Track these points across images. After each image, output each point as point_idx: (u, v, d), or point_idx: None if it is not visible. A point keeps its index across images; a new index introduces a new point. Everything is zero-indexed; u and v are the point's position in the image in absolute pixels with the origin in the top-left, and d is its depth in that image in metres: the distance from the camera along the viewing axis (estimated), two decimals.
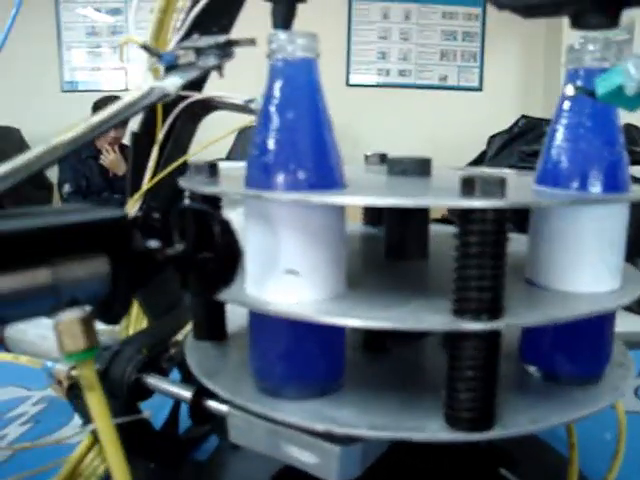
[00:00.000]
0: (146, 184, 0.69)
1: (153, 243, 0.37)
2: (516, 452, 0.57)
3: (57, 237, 0.31)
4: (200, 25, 0.62)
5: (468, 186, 0.37)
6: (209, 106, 0.72)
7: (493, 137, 2.47)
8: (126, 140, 2.72)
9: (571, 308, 0.42)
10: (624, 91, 0.39)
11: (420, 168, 0.53)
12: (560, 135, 0.45)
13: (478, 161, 2.50)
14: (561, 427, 0.61)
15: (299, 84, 0.42)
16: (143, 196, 0.69)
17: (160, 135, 0.68)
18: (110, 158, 2.76)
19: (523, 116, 2.39)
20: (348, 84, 3.11)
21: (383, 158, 0.69)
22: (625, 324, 1.71)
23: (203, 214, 0.39)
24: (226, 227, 0.38)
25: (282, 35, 0.41)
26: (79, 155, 2.75)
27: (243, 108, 0.70)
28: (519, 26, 2.85)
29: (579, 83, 0.45)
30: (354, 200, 0.39)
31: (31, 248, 0.30)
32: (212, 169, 0.52)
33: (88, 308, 0.34)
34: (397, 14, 3.05)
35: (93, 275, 0.33)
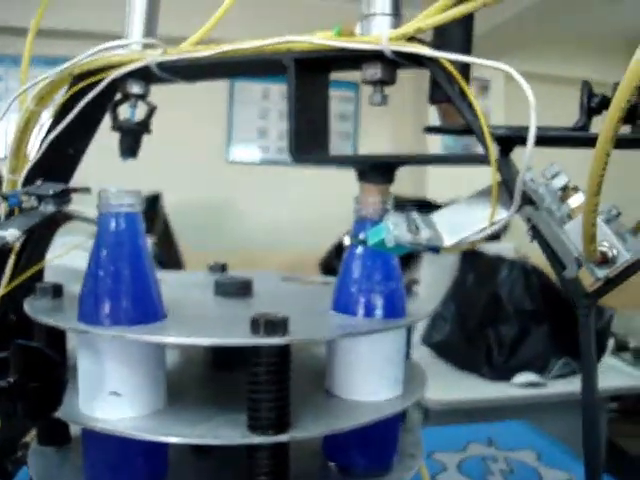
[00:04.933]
0: (2, 288, 0.74)
1: None
2: None
3: None
4: (57, 147, 0.69)
5: (255, 325, 0.46)
6: (65, 217, 0.79)
7: None
8: None
9: (352, 418, 0.51)
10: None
11: (242, 289, 0.62)
12: (349, 271, 0.55)
13: None
14: None
15: (123, 235, 0.49)
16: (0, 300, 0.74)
17: (17, 243, 0.74)
18: None
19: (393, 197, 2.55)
20: (229, 161, 3.23)
21: (224, 267, 0.78)
22: (477, 391, 1.82)
23: (33, 349, 0.46)
24: (53, 360, 0.45)
25: (110, 194, 0.49)
26: None
27: (95, 221, 0.78)
28: (390, 111, 3.06)
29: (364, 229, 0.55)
30: (160, 339, 0.47)
31: None
32: (56, 291, 0.59)
33: None
34: (276, 95, 3.23)
35: None
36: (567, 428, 1.01)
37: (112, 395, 0.49)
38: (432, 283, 2.18)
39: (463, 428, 1.10)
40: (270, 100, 3.25)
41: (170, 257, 2.53)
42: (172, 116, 2.66)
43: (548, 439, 1.05)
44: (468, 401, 1.78)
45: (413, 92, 2.52)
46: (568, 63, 3.35)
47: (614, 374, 2.03)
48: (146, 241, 0.51)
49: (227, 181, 3.08)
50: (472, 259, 2.08)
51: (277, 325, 0.45)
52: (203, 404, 0.53)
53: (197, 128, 3.01)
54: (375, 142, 3.30)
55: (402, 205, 1.96)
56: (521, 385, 1.84)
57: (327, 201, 3.05)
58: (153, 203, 2.48)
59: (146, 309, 0.50)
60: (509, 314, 1.97)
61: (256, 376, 0.46)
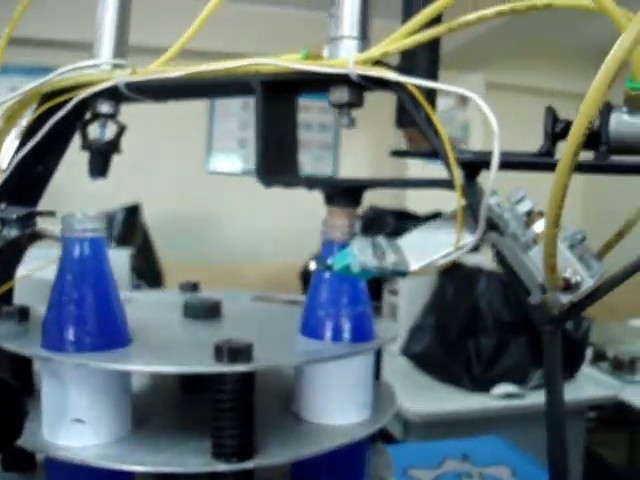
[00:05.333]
0: None
1: None
2: None
3: None
4: (26, 165, 0.68)
5: (218, 352, 0.45)
6: (32, 239, 0.78)
7: None
8: None
9: (319, 443, 0.51)
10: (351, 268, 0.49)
11: (210, 312, 0.62)
12: (316, 295, 0.55)
13: None
14: None
15: (87, 259, 0.49)
16: None
17: None
18: None
19: (371, 207, 2.56)
20: (209, 171, 3.22)
21: (195, 286, 0.77)
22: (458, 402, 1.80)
23: None
24: (13, 389, 0.44)
25: (73, 218, 0.49)
26: None
27: None
28: (370, 122, 3.06)
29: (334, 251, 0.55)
30: (123, 367, 0.46)
31: None
32: (22, 315, 0.58)
33: None
34: None
35: None
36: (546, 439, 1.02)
37: (75, 422, 0.49)
38: (411, 294, 2.19)
39: (439, 444, 1.10)
40: (250, 111, 3.23)
41: (149, 269, 2.52)
42: (152, 126, 2.66)
43: (523, 454, 1.06)
44: (448, 413, 1.78)
45: (393, 103, 2.53)
46: (547, 75, 3.38)
47: (592, 384, 2.04)
48: (110, 265, 0.51)
49: (207, 192, 3.07)
50: (451, 270, 2.09)
51: (241, 352, 0.45)
52: (168, 430, 0.53)
53: (177, 138, 3.01)
54: (356, 153, 3.32)
55: (383, 216, 1.96)
56: (500, 396, 1.84)
57: (309, 212, 3.05)
58: (132, 214, 2.47)
59: (111, 335, 0.49)
60: (488, 325, 1.97)
61: (220, 403, 0.46)
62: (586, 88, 0.42)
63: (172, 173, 3.02)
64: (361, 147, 3.28)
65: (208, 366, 0.45)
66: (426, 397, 1.84)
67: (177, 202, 3.03)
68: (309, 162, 3.33)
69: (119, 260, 2.00)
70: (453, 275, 2.09)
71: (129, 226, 2.40)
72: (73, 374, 0.48)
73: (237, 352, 0.45)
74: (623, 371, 2.13)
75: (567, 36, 2.86)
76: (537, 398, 1.83)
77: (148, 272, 2.46)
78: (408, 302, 2.16)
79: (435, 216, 2.72)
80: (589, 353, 2.19)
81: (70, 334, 0.48)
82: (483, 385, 1.90)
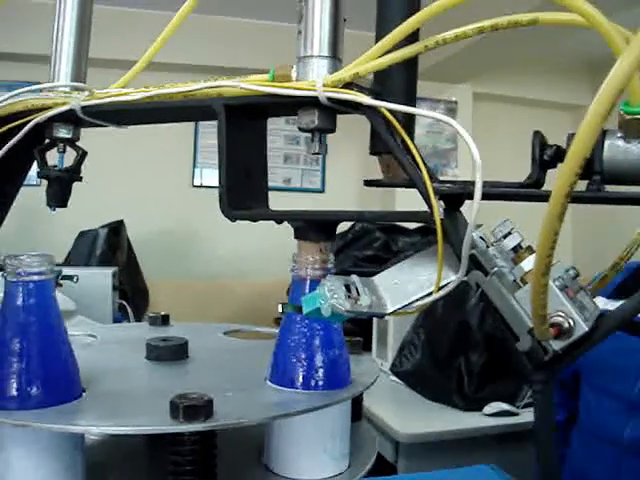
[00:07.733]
0: None
1: None
2: None
3: None
4: None
5: (174, 410, 0.41)
6: None
7: None
8: None
9: None
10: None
11: (175, 353, 0.57)
12: (285, 340, 0.50)
13: None
14: None
15: (32, 306, 0.44)
16: None
17: None
18: None
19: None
20: (194, 185, 3.15)
21: (165, 320, 0.72)
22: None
23: None
24: None
25: (18, 259, 0.44)
26: None
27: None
28: (357, 136, 2.99)
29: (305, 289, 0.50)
30: (66, 428, 0.41)
31: None
32: None
33: None
34: None
35: None
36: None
37: None
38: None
39: (427, 475, 1.05)
40: None
41: (134, 287, 2.46)
42: (136, 139, 2.59)
43: None
44: (439, 433, 1.73)
45: None
46: (536, 86, 3.34)
47: None
48: (58, 310, 0.46)
49: (193, 206, 2.99)
50: None
51: (199, 409, 0.41)
52: None
53: (162, 151, 2.93)
54: (344, 166, 3.25)
55: (371, 230, 1.91)
56: (493, 415, 1.79)
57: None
58: (116, 232, 2.42)
59: (58, 389, 0.45)
60: (479, 342, 1.93)
61: (177, 466, 0.41)
62: (575, 99, 0.38)
63: (157, 187, 2.94)
64: (348, 162, 3.21)
65: (162, 425, 0.41)
66: (417, 417, 1.79)
67: (163, 217, 2.96)
68: (297, 177, 3.28)
69: (101, 280, 1.95)
70: None
71: (112, 244, 2.34)
72: (14, 434, 0.44)
73: (195, 410, 0.40)
74: None
75: (556, 47, 2.82)
76: (531, 416, 1.78)
77: (133, 290, 2.40)
78: (399, 318, 2.12)
79: (425, 230, 2.67)
80: None
81: (12, 390, 0.43)
82: (475, 403, 1.86)
